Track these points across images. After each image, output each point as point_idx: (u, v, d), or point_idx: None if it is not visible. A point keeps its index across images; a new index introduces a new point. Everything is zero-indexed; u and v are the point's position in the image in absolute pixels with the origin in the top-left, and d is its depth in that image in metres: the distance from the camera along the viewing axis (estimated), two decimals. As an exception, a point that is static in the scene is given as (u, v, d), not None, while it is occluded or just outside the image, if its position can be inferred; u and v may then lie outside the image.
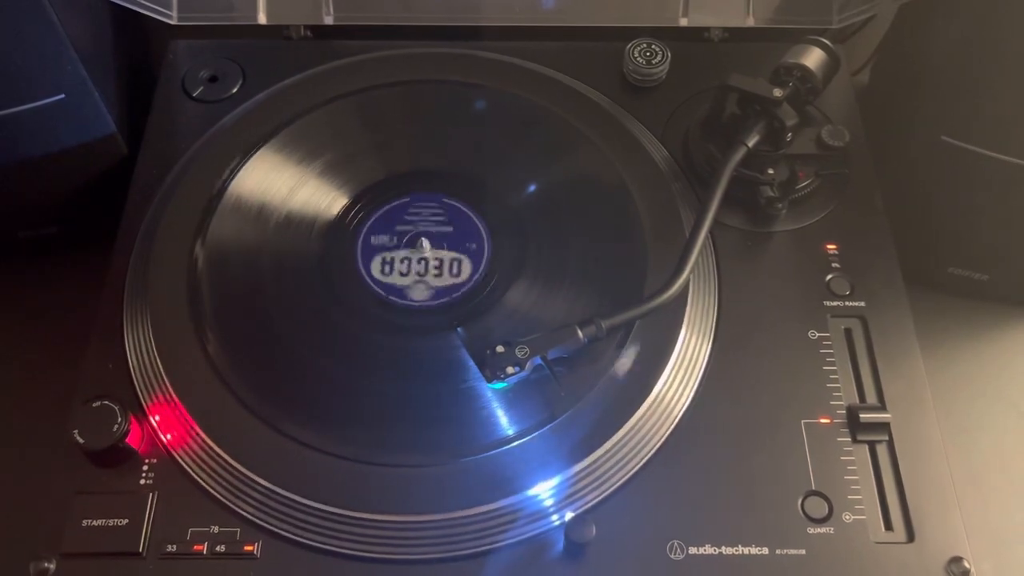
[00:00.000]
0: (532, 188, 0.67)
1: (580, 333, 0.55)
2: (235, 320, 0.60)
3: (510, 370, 0.54)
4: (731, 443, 0.56)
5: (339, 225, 0.65)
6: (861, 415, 0.57)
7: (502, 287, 0.62)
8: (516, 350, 0.54)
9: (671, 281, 0.57)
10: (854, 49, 0.81)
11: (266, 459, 0.54)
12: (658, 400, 0.57)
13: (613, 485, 0.54)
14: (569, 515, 0.53)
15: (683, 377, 0.58)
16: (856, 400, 0.58)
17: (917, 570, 0.53)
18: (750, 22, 0.75)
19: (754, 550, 0.53)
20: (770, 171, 0.63)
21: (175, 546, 0.52)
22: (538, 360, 0.55)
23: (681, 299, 0.59)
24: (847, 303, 0.62)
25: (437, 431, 0.56)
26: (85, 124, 0.66)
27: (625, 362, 0.57)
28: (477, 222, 0.65)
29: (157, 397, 0.57)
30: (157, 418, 0.56)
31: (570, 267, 0.63)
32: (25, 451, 0.62)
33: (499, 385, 0.56)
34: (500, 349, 0.54)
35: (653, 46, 0.71)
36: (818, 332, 0.60)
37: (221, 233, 0.63)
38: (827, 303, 0.62)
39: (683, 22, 0.75)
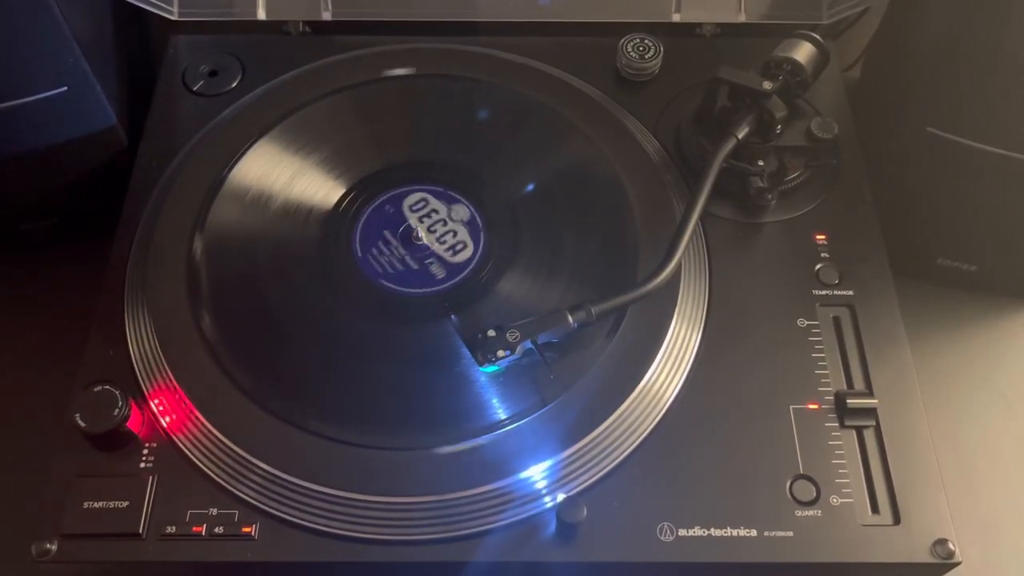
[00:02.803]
0: (527, 180, 0.68)
1: (570, 318, 0.56)
2: (234, 307, 0.61)
3: (501, 353, 0.55)
4: (720, 428, 0.57)
5: (336, 215, 0.66)
6: (848, 401, 0.57)
7: (496, 275, 0.63)
8: (507, 334, 0.55)
9: (660, 268, 0.58)
10: (847, 45, 0.82)
11: (264, 442, 0.55)
12: (649, 386, 0.57)
13: (604, 468, 0.55)
14: (561, 497, 0.54)
15: (674, 364, 0.59)
16: (844, 386, 0.59)
17: (903, 552, 0.54)
18: (742, 18, 0.76)
19: (743, 532, 0.54)
20: (760, 162, 0.64)
21: (174, 528, 0.53)
22: (529, 344, 0.56)
23: (672, 288, 0.60)
24: (836, 292, 0.62)
25: (431, 415, 0.57)
26: (86, 116, 0.67)
27: (617, 349, 0.58)
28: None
29: (157, 382, 0.57)
30: (157, 403, 0.57)
31: (563, 256, 0.63)
32: (27, 436, 0.63)
33: (490, 369, 0.56)
34: (491, 333, 0.55)
35: (646, 41, 0.72)
36: (807, 320, 0.61)
37: (220, 222, 0.64)
38: (816, 292, 0.62)
39: (676, 18, 0.76)
